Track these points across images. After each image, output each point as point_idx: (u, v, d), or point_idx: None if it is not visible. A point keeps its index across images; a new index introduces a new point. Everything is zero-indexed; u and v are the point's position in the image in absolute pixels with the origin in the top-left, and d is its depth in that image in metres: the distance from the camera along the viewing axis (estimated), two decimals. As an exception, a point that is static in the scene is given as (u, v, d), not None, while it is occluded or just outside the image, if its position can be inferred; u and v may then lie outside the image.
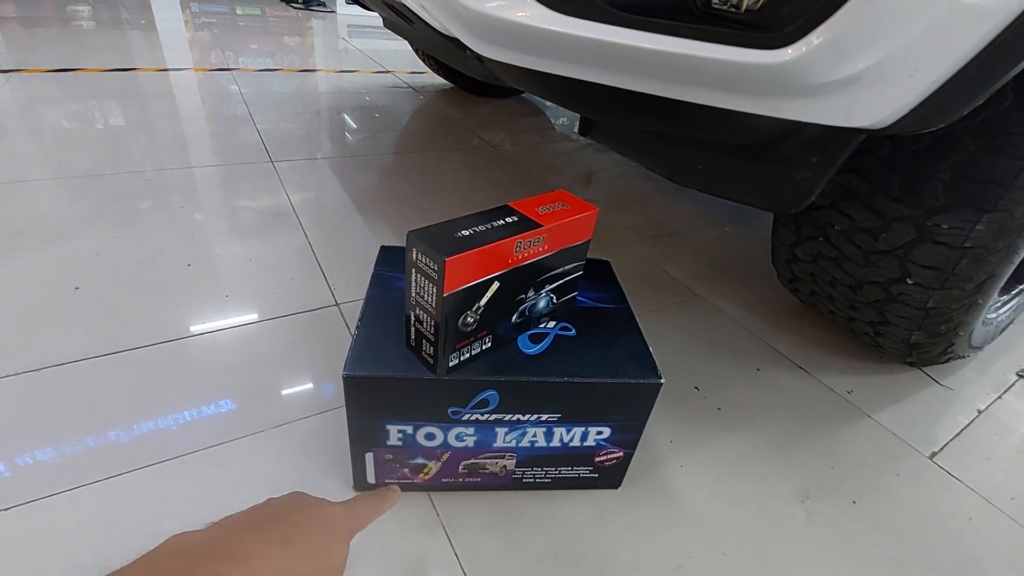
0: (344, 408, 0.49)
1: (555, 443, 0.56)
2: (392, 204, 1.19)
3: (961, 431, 0.78)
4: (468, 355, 0.49)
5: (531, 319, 0.54)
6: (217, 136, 1.44)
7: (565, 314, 0.58)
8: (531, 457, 0.57)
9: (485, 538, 0.55)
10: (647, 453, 0.66)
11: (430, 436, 0.53)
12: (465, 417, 0.51)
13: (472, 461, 0.56)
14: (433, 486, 0.58)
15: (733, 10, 0.45)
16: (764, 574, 0.55)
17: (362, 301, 0.56)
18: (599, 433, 0.55)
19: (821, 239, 0.74)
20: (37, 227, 0.95)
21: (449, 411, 0.50)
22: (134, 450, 0.59)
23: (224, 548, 0.25)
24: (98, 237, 0.94)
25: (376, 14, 1.43)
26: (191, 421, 0.63)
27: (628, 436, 0.56)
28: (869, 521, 0.63)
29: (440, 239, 0.43)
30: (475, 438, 0.53)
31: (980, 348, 0.87)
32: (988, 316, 0.82)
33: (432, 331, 0.45)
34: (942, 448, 0.75)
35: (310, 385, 0.71)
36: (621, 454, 0.58)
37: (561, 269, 0.53)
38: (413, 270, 0.44)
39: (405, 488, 0.58)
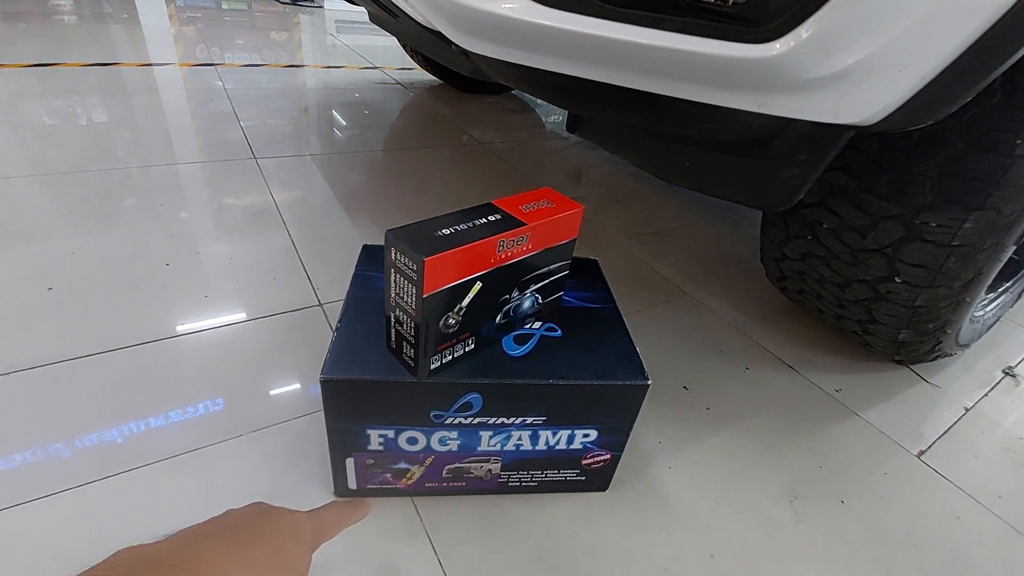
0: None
1: (541, 446, 0.54)
2: (379, 202, 1.18)
3: (949, 429, 0.78)
4: (450, 357, 0.48)
5: (516, 320, 0.53)
6: (199, 132, 1.41)
7: (551, 314, 0.57)
8: (516, 461, 0.55)
9: (470, 544, 0.54)
10: (635, 454, 0.66)
11: (412, 440, 0.51)
12: (448, 421, 0.50)
13: (456, 465, 0.55)
14: (416, 491, 0.57)
15: (720, 3, 0.44)
16: (752, 575, 0.55)
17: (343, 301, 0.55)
18: (585, 436, 0.54)
19: (809, 237, 0.73)
20: (11, 226, 0.92)
21: (431, 415, 0.49)
22: (109, 456, 0.57)
23: (169, 559, 0.24)
24: (75, 235, 0.92)
25: (363, 8, 1.40)
26: (168, 425, 0.62)
27: (615, 438, 0.55)
28: (857, 520, 0.62)
29: (419, 238, 0.41)
30: (459, 442, 0.52)
31: (967, 346, 0.87)
32: (975, 314, 0.82)
33: (412, 333, 0.44)
34: (930, 446, 0.74)
35: (291, 388, 0.69)
36: (608, 456, 0.57)
37: (546, 268, 0.52)
38: (392, 270, 0.43)
39: (388, 494, 0.56)
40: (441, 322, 0.44)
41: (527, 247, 0.48)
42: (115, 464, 0.56)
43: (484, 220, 0.46)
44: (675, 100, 0.51)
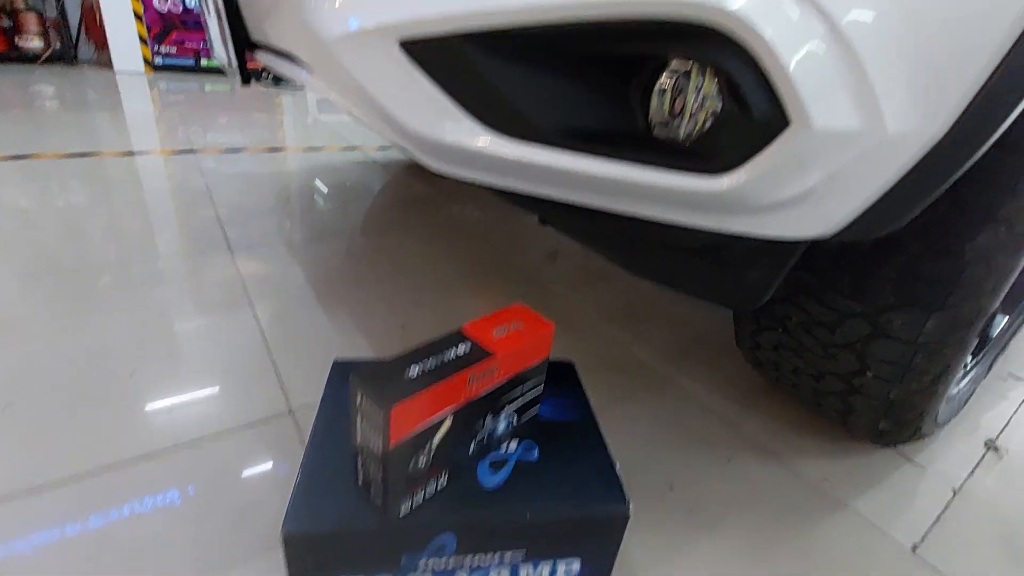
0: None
1: (521, 579, 0.52)
2: (355, 291, 1.17)
3: (939, 516, 0.77)
4: (422, 497, 0.46)
5: (490, 444, 0.52)
6: (174, 226, 1.41)
7: (527, 431, 0.56)
8: (496, 596, 0.52)
9: None
10: (622, 570, 0.63)
11: (383, 585, 0.48)
12: (422, 563, 0.47)
13: (432, 605, 0.51)
14: (390, 634, 0.53)
15: (673, 139, 0.46)
16: None
17: (312, 423, 0.52)
18: (568, 567, 0.51)
19: (780, 330, 0.74)
20: (-32, 337, 0.89)
21: (403, 559, 0.46)
22: (50, 612, 0.52)
23: None
24: (35, 341, 0.88)
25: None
26: None
27: (601, 565, 0.53)
28: (857, 635, 0.59)
29: (385, 382, 0.40)
30: (434, 582, 0.49)
31: (947, 423, 0.87)
32: (950, 392, 0.82)
33: (380, 478, 0.42)
34: (923, 538, 0.73)
35: (255, 518, 0.65)
36: (593, 583, 0.54)
37: (519, 391, 0.51)
38: (358, 415, 0.41)
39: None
40: (411, 466, 0.43)
41: (498, 376, 0.47)
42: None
43: (453, 354, 0.45)
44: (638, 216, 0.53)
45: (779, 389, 0.98)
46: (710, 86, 0.42)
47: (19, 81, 3.23)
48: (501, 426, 0.52)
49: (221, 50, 0.83)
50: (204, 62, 4.38)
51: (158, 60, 4.20)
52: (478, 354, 0.46)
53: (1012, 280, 0.58)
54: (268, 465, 0.72)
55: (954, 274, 0.56)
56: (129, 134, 2.25)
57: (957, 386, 0.86)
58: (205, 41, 3.32)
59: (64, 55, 4.20)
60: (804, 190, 0.43)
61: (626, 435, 0.84)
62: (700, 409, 0.93)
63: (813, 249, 0.67)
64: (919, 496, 0.80)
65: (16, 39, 3.94)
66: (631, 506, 0.49)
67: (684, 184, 0.44)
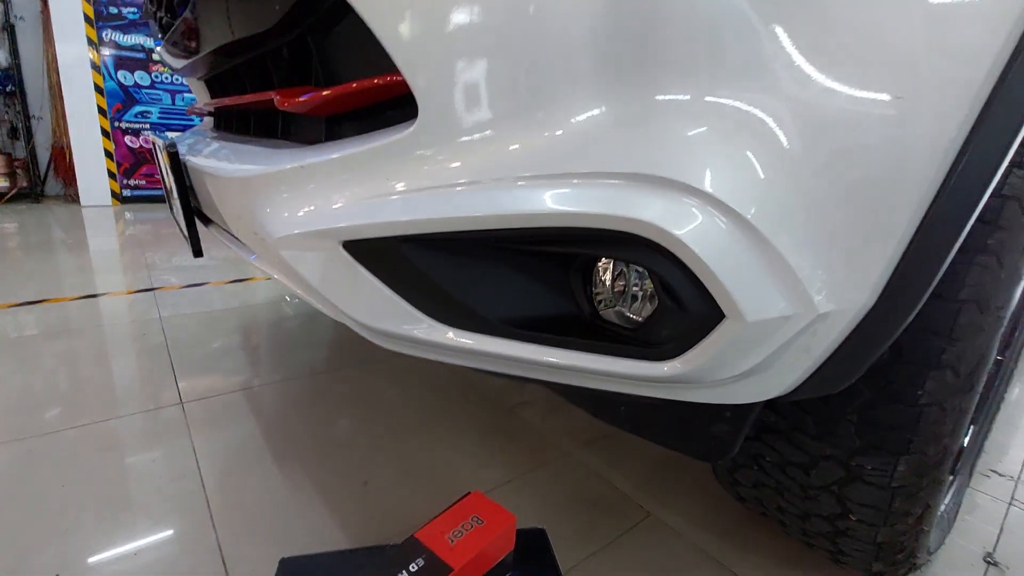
0: None
1: None
2: (314, 445, 1.11)
3: (955, 663, 0.71)
4: None
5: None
6: (122, 378, 1.34)
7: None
8: None
9: None
10: None
11: None
12: None
13: None
14: None
15: (619, 326, 0.46)
16: None
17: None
18: None
19: (756, 468, 0.72)
20: None
21: None
22: None
23: None
24: (-55, 548, 0.78)
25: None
26: None
27: None
28: None
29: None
30: None
31: (940, 547, 0.83)
32: (938, 514, 0.79)
33: None
34: None
35: None
36: None
37: (484, 596, 0.46)
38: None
39: None
40: None
41: (457, 591, 0.43)
42: None
43: (405, 573, 0.41)
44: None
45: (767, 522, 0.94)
46: (647, 285, 0.43)
47: (-21, 223, 3.22)
48: (466, 640, 0.46)
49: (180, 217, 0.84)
50: (173, 191, 4.48)
51: (126, 192, 4.29)
52: (435, 568, 0.41)
53: (969, 419, 0.58)
54: None
55: (911, 420, 0.56)
56: (87, 274, 2.22)
57: (943, 504, 0.84)
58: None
59: (31, 192, 4.25)
60: (748, 368, 0.43)
61: (612, 595, 0.78)
62: (688, 549, 0.87)
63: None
64: (930, 638, 0.74)
65: (-18, 181, 3.99)
66: None
67: (628, 369, 0.44)
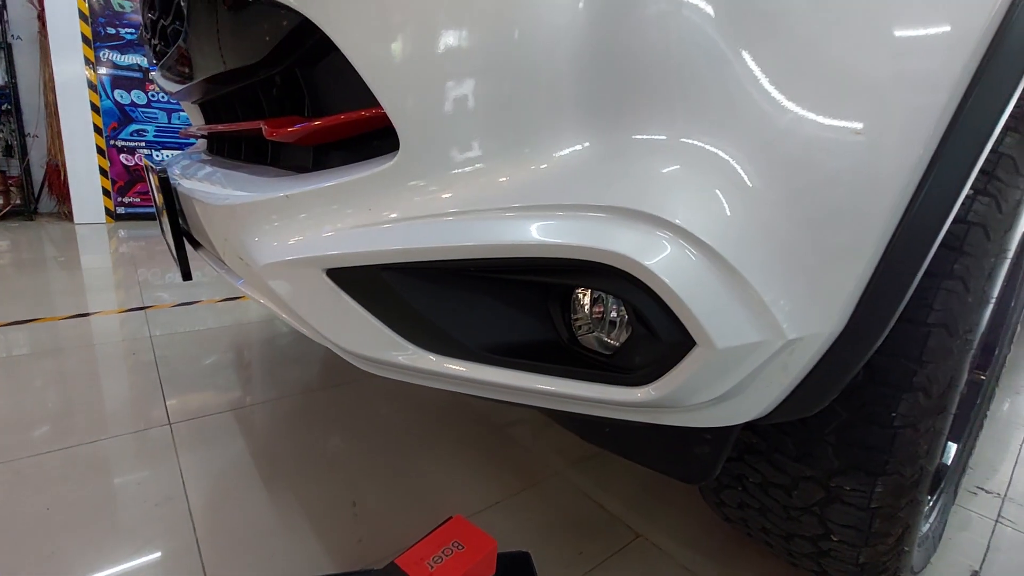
0: None
1: None
2: (304, 465, 1.10)
3: None
4: None
5: None
6: (110, 399, 1.34)
7: (479, 662, 0.50)
8: None
9: None
10: None
11: None
12: None
13: None
14: None
15: (598, 352, 0.47)
16: None
17: None
18: None
19: (740, 488, 0.72)
20: None
21: None
22: None
23: None
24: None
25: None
26: None
27: None
28: None
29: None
30: None
31: (924, 567, 0.84)
32: (922, 533, 0.80)
33: None
34: None
35: None
36: None
37: (463, 623, 0.47)
38: None
39: None
40: None
41: (436, 618, 0.43)
42: None
43: (383, 601, 0.41)
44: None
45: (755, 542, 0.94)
46: (623, 311, 0.45)
47: (-29, 241, 3.21)
48: (446, 667, 0.46)
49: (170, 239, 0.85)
50: (167, 209, 4.48)
51: (120, 210, 4.29)
52: (412, 596, 0.42)
53: (944, 440, 0.59)
54: None
55: (886, 441, 0.57)
56: (78, 294, 2.22)
57: (926, 524, 0.85)
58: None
59: (24, 210, 4.25)
60: (722, 393, 0.44)
61: (599, 618, 0.77)
62: (678, 571, 0.87)
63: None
64: (917, 659, 0.74)
65: (-25, 198, 3.99)
66: None
67: (605, 395, 0.45)
